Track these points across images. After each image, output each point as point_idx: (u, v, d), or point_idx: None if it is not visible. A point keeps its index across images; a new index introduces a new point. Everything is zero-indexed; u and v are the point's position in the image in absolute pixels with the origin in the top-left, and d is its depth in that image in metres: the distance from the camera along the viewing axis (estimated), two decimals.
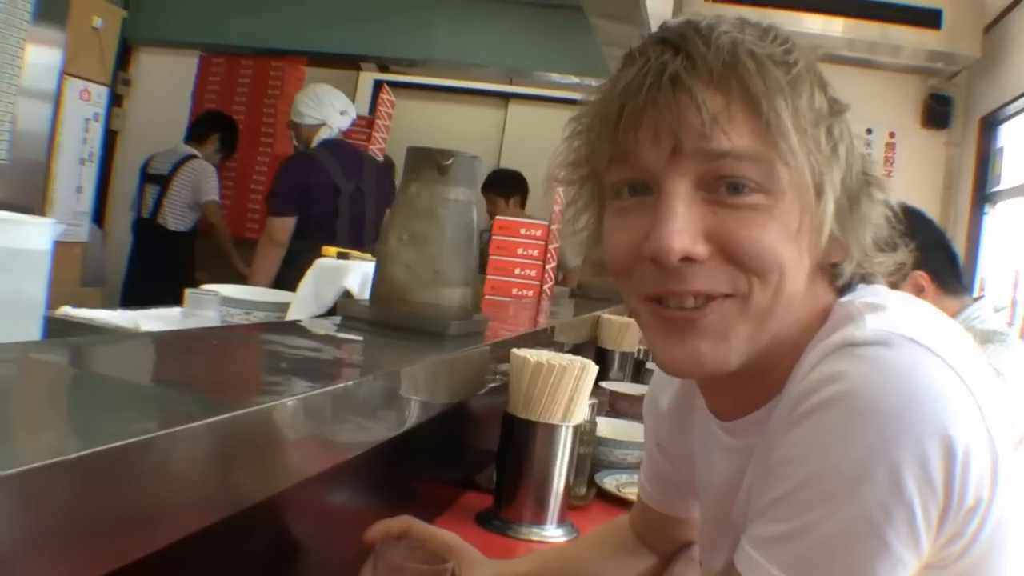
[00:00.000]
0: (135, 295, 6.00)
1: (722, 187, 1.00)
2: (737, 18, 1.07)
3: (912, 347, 0.93)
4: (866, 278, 1.12)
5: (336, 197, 5.33)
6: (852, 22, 7.08)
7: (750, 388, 1.12)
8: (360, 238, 5.34)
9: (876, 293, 1.09)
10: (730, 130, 0.99)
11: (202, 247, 6.64)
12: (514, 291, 3.37)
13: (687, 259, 1.00)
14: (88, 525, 0.73)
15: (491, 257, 3.36)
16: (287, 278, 4.46)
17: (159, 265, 6.28)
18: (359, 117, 6.13)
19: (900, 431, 0.88)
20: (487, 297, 3.32)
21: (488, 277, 3.36)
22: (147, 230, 6.56)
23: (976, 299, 2.90)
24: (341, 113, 5.55)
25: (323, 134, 5.49)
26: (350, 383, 1.27)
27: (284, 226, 5.25)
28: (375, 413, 1.37)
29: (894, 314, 1.00)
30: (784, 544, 0.94)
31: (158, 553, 0.83)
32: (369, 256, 2.66)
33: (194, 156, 6.58)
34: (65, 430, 0.86)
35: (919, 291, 2.70)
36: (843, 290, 1.12)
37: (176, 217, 6.50)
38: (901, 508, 0.88)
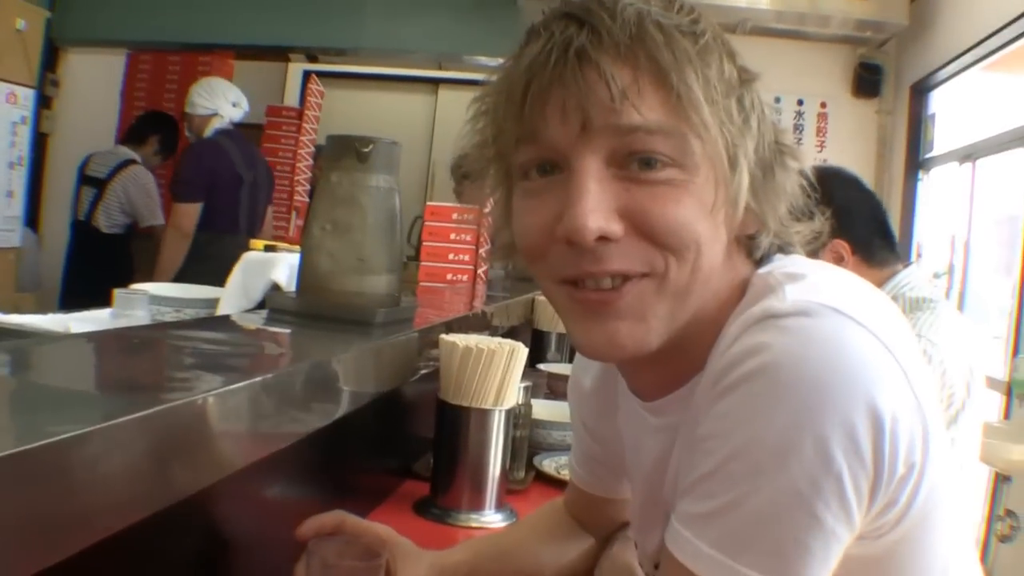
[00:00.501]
0: (73, 298, 5.89)
1: (634, 163, 0.99)
2: None
3: (833, 316, 0.92)
4: (783, 248, 1.12)
5: (239, 186, 5.35)
6: None
7: (671, 366, 1.11)
8: (254, 230, 5.34)
9: (795, 263, 1.08)
10: (640, 104, 0.97)
11: (140, 248, 6.55)
12: (449, 276, 3.36)
13: (602, 238, 0.98)
14: (14, 523, 0.72)
15: (423, 243, 3.35)
16: (195, 271, 4.44)
17: (96, 268, 6.09)
18: (290, 108, 6.10)
19: (825, 402, 0.87)
20: (422, 284, 3.31)
21: (422, 263, 3.35)
22: (83, 233, 6.42)
23: (906, 266, 2.89)
24: (233, 104, 5.60)
25: (215, 124, 5.53)
26: (275, 374, 1.25)
27: (192, 213, 5.24)
28: (303, 403, 1.36)
29: (814, 283, 1.00)
30: (713, 520, 0.92)
31: (89, 550, 0.83)
32: (297, 248, 2.65)
33: (133, 161, 6.43)
34: None
35: (838, 260, 2.70)
36: (761, 261, 1.10)
37: (111, 221, 6.36)
38: (830, 480, 0.87)
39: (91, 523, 0.84)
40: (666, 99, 0.98)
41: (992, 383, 4.47)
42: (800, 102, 7.76)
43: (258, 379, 1.19)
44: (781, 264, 1.08)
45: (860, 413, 0.87)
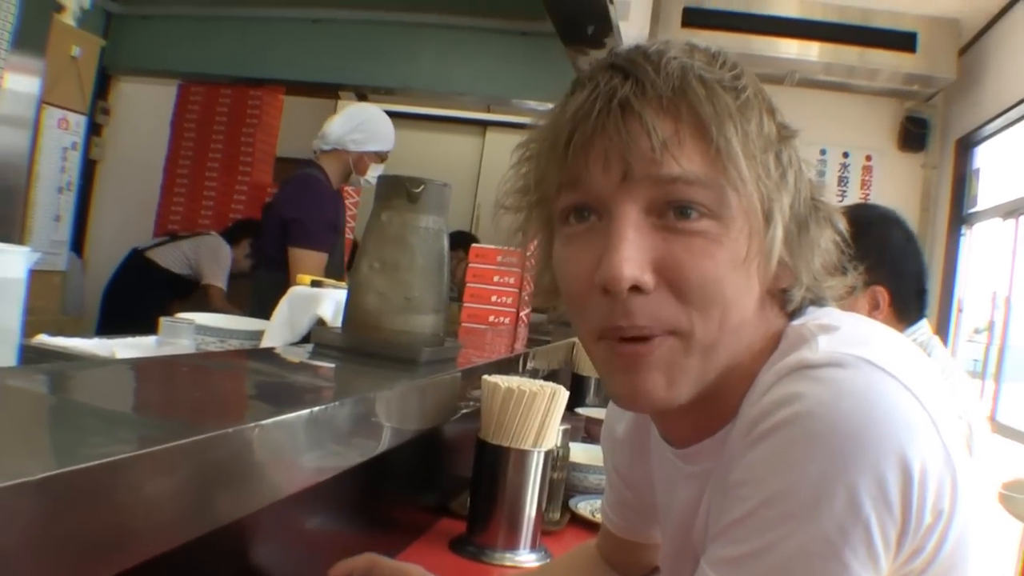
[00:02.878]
0: (112, 323, 5.94)
1: (672, 212, 1.00)
2: (686, 43, 1.07)
3: (866, 367, 0.94)
4: (817, 302, 1.13)
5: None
6: (828, 46, 7.13)
7: (703, 415, 1.12)
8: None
9: (828, 315, 1.09)
10: (680, 155, 0.99)
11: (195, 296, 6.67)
12: (491, 318, 3.37)
13: (635, 288, 1.00)
14: (54, 545, 0.74)
15: (467, 285, 3.36)
16: None
17: (145, 295, 6.19)
18: None
19: (856, 452, 0.88)
20: (464, 325, 3.32)
21: (465, 305, 3.37)
22: (141, 262, 6.55)
23: (916, 320, 2.87)
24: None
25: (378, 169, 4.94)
26: (320, 408, 1.27)
27: (322, 263, 4.66)
28: (346, 438, 1.38)
29: (847, 335, 1.01)
30: (743, 565, 0.93)
31: (126, 573, 0.85)
32: (342, 284, 2.67)
33: (210, 233, 6.65)
34: (33, 453, 0.87)
35: (874, 305, 2.68)
36: (794, 314, 1.12)
37: (171, 263, 6.53)
38: (858, 528, 0.88)
39: (130, 546, 0.85)
40: (705, 151, 1.00)
41: None
42: (846, 154, 7.77)
43: (304, 412, 1.21)
44: (815, 316, 1.09)
45: (890, 464, 0.89)
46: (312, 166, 4.86)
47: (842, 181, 7.80)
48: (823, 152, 7.72)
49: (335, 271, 4.51)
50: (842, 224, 1.13)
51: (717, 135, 0.99)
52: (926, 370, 1.00)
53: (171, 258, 6.50)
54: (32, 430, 0.99)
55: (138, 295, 6.21)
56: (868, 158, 7.82)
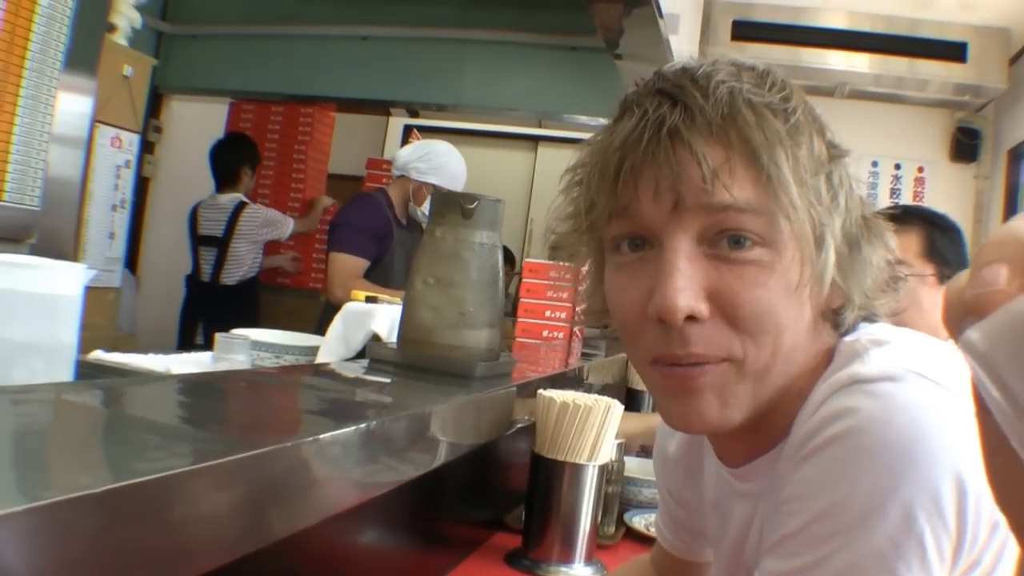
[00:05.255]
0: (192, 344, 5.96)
1: (724, 241, 1.00)
2: (733, 63, 1.06)
3: (918, 381, 0.94)
4: (869, 319, 1.12)
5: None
6: (877, 57, 7.08)
7: (757, 434, 1.12)
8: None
9: (881, 330, 1.09)
10: (731, 183, 0.98)
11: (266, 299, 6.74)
12: (544, 333, 3.38)
13: (690, 318, 0.99)
14: (113, 558, 0.75)
15: (521, 300, 3.37)
16: None
17: (221, 318, 5.76)
18: (390, 161, 6.12)
19: (909, 466, 0.89)
20: (518, 340, 3.34)
21: (518, 320, 3.38)
22: (205, 289, 6.47)
23: None
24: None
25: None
26: (375, 422, 1.28)
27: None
28: (401, 452, 1.39)
29: (899, 349, 1.01)
30: None
31: None
32: (396, 300, 2.68)
33: (244, 204, 6.48)
34: (92, 466, 0.88)
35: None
36: (847, 332, 1.11)
37: (238, 274, 6.45)
38: (911, 542, 0.88)
39: (187, 560, 0.87)
40: (756, 179, 0.99)
41: None
42: (898, 166, 7.71)
43: (359, 426, 1.23)
44: (867, 332, 1.09)
45: (944, 477, 0.89)
46: (380, 191, 5.01)
47: (894, 193, 7.74)
48: (875, 164, 7.68)
49: (386, 282, 4.57)
50: (892, 241, 1.13)
51: (768, 162, 0.98)
52: None
53: (234, 276, 6.44)
54: (89, 444, 1.01)
55: (217, 318, 5.95)
56: (920, 169, 7.76)
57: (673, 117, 1.00)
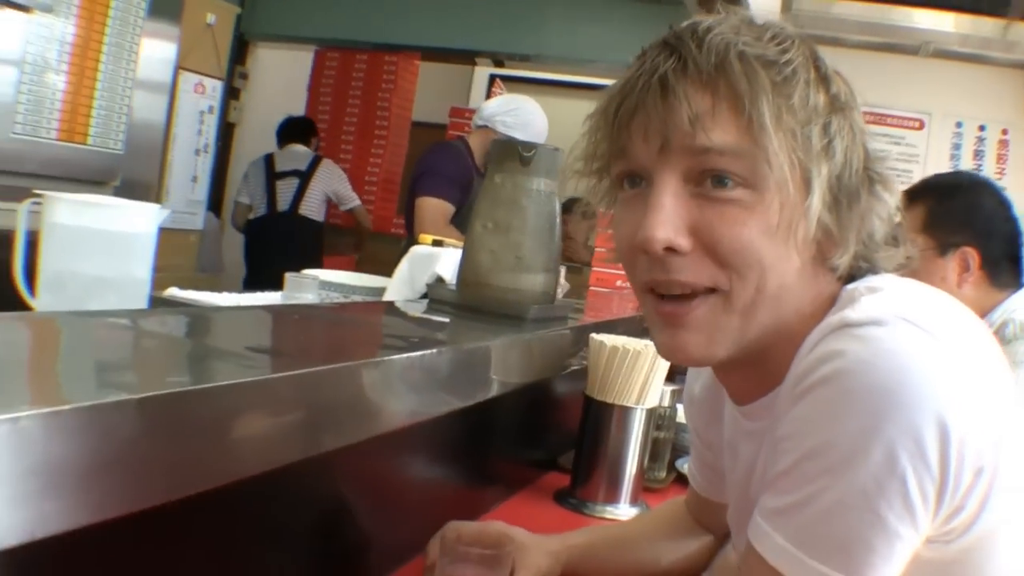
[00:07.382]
0: (259, 283, 6.06)
1: (708, 180, 1.05)
2: (740, 19, 1.11)
3: (904, 326, 0.97)
4: (874, 271, 1.15)
5: None
6: (964, 17, 6.99)
7: (760, 373, 1.17)
8: None
9: (880, 279, 1.12)
10: (714, 127, 1.04)
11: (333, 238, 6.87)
12: (618, 283, 3.42)
13: (670, 249, 1.05)
14: (171, 452, 0.85)
15: (596, 249, 3.42)
16: None
17: (295, 253, 6.09)
18: (472, 111, 6.17)
19: (893, 408, 0.92)
20: (592, 288, 3.38)
21: (593, 269, 3.42)
22: (283, 222, 6.62)
23: (1017, 289, 2.81)
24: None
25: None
26: (424, 352, 1.36)
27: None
28: (449, 383, 1.46)
29: (891, 295, 1.05)
30: (787, 515, 0.99)
31: (242, 485, 0.95)
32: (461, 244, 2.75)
33: (322, 157, 6.70)
34: (140, 375, 0.97)
35: (964, 267, 2.65)
36: (850, 280, 1.14)
37: (315, 210, 6.63)
38: (893, 481, 0.92)
39: (245, 459, 0.97)
40: (740, 123, 1.04)
41: None
42: (982, 127, 7.63)
43: (413, 355, 1.32)
44: (867, 280, 1.12)
45: (927, 420, 0.92)
46: (460, 140, 5.04)
47: (978, 155, 7.65)
48: (959, 125, 7.59)
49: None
50: (898, 195, 1.16)
51: (750, 108, 1.03)
52: (974, 331, 1.03)
53: (312, 208, 6.63)
54: (144, 358, 1.11)
55: (293, 253, 6.06)
56: (1004, 131, 7.66)
57: (667, 66, 1.06)
